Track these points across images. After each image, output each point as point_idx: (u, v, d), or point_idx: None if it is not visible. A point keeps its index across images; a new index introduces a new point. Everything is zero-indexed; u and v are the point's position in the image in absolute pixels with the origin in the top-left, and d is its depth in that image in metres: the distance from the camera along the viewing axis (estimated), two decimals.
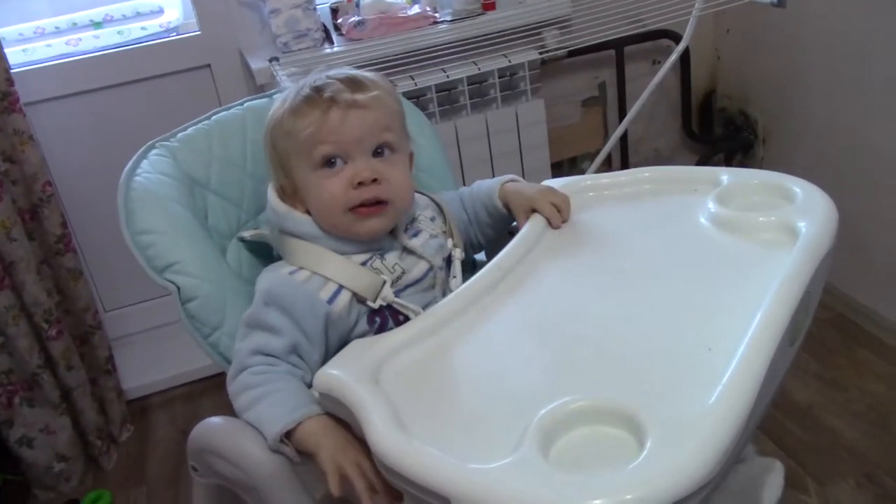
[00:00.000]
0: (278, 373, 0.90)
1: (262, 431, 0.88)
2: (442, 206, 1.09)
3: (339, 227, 0.96)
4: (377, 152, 0.95)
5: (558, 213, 1.03)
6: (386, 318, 0.95)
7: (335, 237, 0.97)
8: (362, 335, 0.94)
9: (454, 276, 1.02)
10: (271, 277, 0.96)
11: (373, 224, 0.95)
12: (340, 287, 0.93)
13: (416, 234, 1.01)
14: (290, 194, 0.99)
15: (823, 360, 1.76)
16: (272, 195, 1.00)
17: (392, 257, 0.98)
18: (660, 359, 0.76)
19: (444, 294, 1.00)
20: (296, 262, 0.96)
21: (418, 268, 0.99)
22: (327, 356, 0.91)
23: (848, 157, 1.86)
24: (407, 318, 0.94)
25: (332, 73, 0.97)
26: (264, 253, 1.08)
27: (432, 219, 1.06)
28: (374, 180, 0.93)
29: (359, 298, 0.94)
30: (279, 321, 0.90)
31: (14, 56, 1.80)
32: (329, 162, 0.94)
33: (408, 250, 0.99)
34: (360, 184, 0.93)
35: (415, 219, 1.03)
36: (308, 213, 0.98)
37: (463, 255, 1.04)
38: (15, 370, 1.65)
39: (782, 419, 1.61)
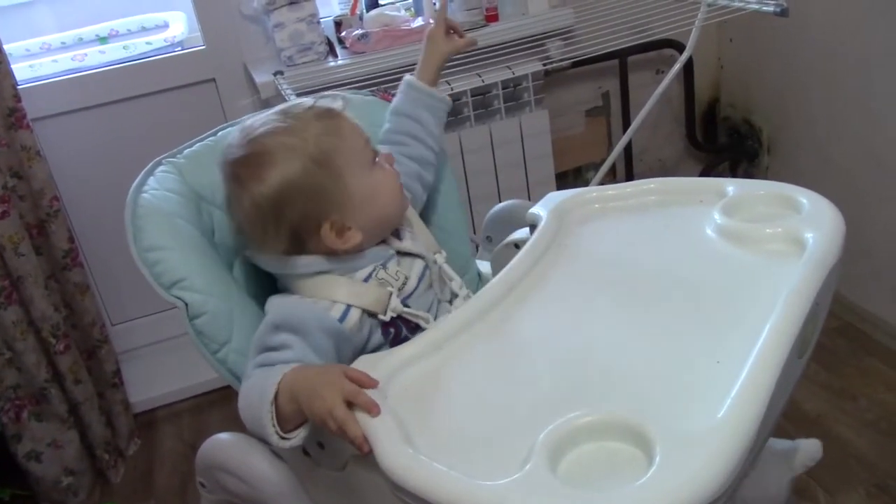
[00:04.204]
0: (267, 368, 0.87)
1: (265, 435, 0.83)
2: (411, 217, 1.09)
3: (400, 210, 1.03)
4: None
5: (455, 34, 1.17)
6: (399, 327, 0.96)
7: (340, 259, 0.96)
8: (378, 347, 0.95)
9: (452, 279, 1.04)
10: (280, 304, 0.96)
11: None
12: (349, 305, 0.94)
13: (400, 238, 1.04)
14: (338, 230, 0.95)
15: (832, 369, 1.75)
16: (266, 261, 0.99)
17: (392, 265, 0.99)
18: (668, 372, 0.76)
19: (442, 292, 1.03)
20: (305, 294, 0.96)
21: (416, 268, 1.01)
22: None
23: (853, 165, 1.86)
24: (419, 325, 0.96)
25: (294, 107, 0.99)
26: None
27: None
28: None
29: (369, 313, 0.95)
30: (288, 339, 0.89)
31: (21, 72, 1.81)
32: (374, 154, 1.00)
33: (402, 253, 1.01)
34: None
35: None
36: (313, 252, 0.96)
37: (445, 255, 1.06)
38: (23, 385, 1.65)
39: (791, 429, 1.60)
